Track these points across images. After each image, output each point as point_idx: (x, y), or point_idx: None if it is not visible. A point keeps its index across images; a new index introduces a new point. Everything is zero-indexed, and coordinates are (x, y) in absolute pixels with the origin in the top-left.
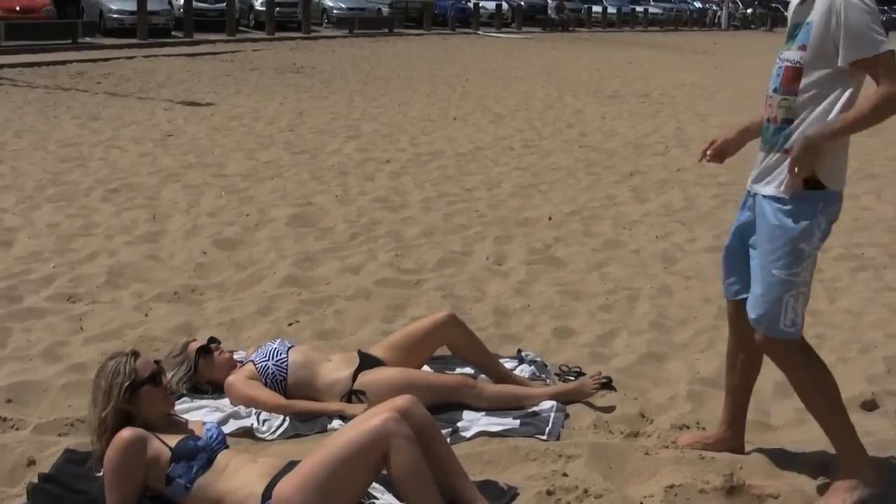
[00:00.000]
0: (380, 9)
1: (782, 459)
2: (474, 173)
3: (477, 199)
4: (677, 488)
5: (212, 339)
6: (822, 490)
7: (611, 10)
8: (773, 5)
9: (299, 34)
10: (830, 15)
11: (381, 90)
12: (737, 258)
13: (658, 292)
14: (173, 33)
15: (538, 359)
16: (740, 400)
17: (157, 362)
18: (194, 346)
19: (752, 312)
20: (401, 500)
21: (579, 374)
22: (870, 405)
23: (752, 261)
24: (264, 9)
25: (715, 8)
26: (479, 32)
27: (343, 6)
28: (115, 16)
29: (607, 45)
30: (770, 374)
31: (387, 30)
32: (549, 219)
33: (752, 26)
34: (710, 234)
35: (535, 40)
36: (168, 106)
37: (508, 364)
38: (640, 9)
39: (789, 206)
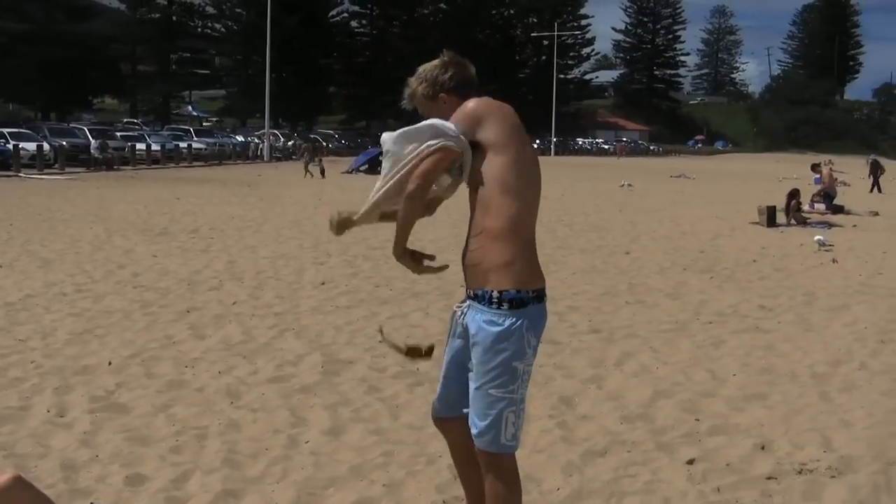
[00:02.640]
0: None
1: None
2: (26, 322)
3: (32, 349)
4: None
5: None
6: None
7: (155, 147)
8: (312, 136)
9: None
10: None
11: None
12: (451, 383)
13: (226, 428)
14: None
15: None
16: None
17: None
18: None
19: (474, 429)
20: None
21: None
22: None
23: (471, 382)
24: None
25: (257, 141)
26: (21, 175)
27: None
28: None
29: (154, 182)
30: None
31: None
32: (109, 364)
33: (294, 157)
34: (271, 364)
35: (80, 180)
36: None
37: None
38: (183, 145)
39: (498, 329)
